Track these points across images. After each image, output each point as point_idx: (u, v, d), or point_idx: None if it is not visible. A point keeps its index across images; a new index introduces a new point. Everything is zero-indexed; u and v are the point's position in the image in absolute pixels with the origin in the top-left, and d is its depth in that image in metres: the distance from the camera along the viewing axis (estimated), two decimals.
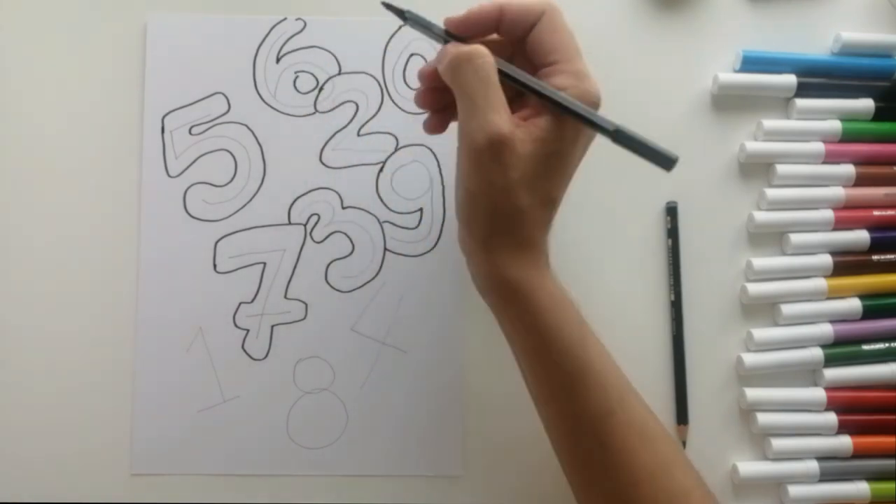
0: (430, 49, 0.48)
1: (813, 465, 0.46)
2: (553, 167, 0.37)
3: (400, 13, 0.39)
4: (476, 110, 0.36)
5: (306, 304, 0.47)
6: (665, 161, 0.34)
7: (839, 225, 0.47)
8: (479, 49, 0.36)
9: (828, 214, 0.47)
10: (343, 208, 0.47)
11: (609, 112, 0.47)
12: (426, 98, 0.40)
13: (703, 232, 0.47)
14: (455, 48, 0.37)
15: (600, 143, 0.48)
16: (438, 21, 0.38)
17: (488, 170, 0.36)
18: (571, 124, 0.36)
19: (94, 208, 0.47)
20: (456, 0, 0.39)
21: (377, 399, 0.46)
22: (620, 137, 0.35)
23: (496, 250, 0.37)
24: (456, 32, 0.38)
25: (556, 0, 0.38)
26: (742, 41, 0.48)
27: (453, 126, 0.47)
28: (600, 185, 0.47)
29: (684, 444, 0.46)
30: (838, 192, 0.47)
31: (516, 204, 0.36)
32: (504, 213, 0.36)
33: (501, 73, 0.36)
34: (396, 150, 0.47)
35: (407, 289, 0.47)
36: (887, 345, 0.47)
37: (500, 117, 0.35)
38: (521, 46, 0.38)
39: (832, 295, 0.47)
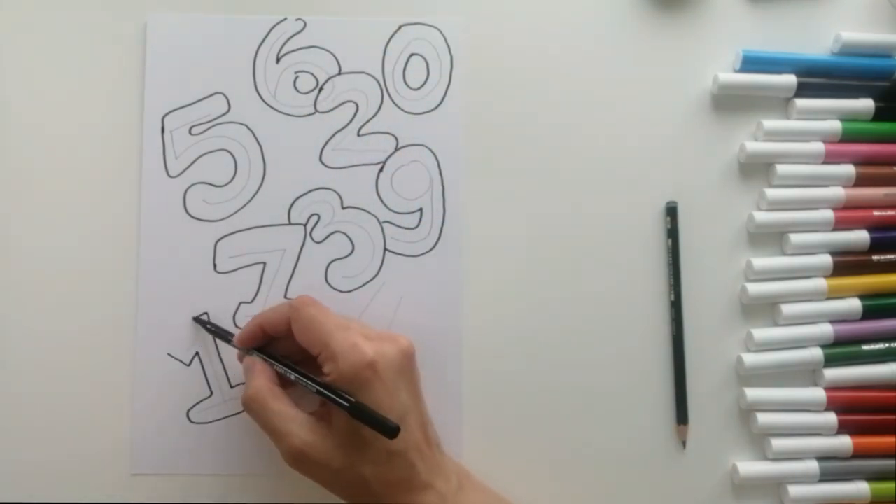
0: (430, 49, 0.48)
1: (813, 465, 0.46)
2: (369, 434, 0.39)
3: (203, 323, 0.46)
4: (273, 439, 0.41)
5: None
6: (388, 430, 0.38)
7: (839, 225, 0.47)
8: (251, 392, 0.41)
9: (828, 214, 0.47)
10: (343, 208, 0.47)
11: (608, 112, 0.48)
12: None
13: (703, 232, 0.47)
14: (243, 394, 0.42)
15: (600, 143, 0.48)
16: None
17: (314, 473, 0.41)
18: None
19: (94, 208, 0.47)
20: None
21: None
22: (354, 411, 0.39)
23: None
24: (243, 347, 0.44)
25: (300, 301, 0.42)
26: (742, 41, 0.48)
27: (452, 125, 0.47)
28: (600, 185, 0.48)
29: (684, 444, 0.46)
30: (838, 192, 0.47)
31: (363, 477, 0.40)
32: (360, 488, 0.40)
33: (276, 362, 0.43)
34: (396, 150, 0.47)
35: (407, 289, 0.47)
36: (887, 345, 0.47)
37: (290, 436, 0.40)
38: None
39: (832, 295, 0.47)
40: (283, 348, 0.44)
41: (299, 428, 0.40)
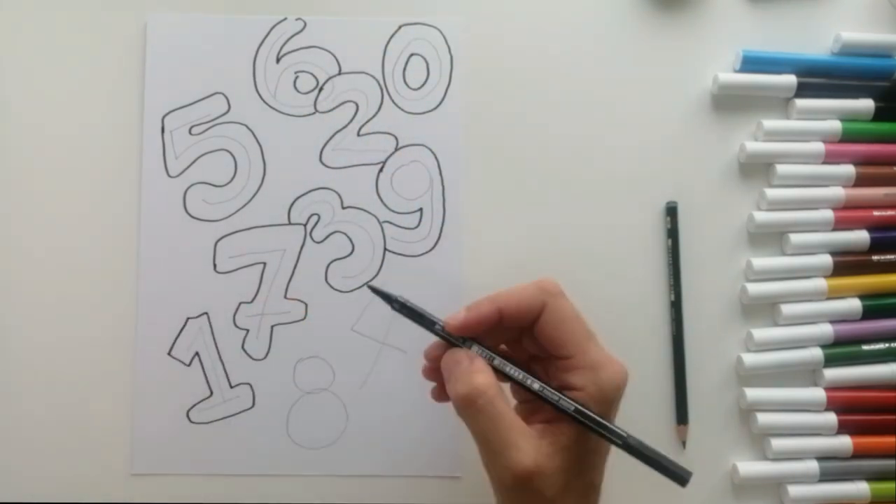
0: (430, 49, 0.48)
1: (813, 465, 0.46)
2: (587, 462, 0.35)
3: (388, 299, 0.39)
4: (494, 454, 0.34)
5: (306, 304, 0.47)
6: (677, 477, 0.34)
7: (839, 225, 0.47)
8: (480, 386, 0.35)
9: (828, 214, 0.47)
10: (343, 208, 0.47)
11: (609, 112, 0.48)
12: (432, 374, 0.39)
13: (703, 232, 0.47)
14: (459, 387, 0.35)
15: (600, 143, 0.48)
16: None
17: (526, 499, 0.34)
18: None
19: (94, 208, 0.47)
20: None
21: (377, 399, 0.46)
22: (629, 448, 0.34)
23: None
24: (457, 335, 0.37)
25: (555, 287, 0.37)
26: (742, 41, 0.48)
27: (452, 125, 0.47)
28: (600, 184, 0.48)
29: (684, 444, 0.46)
30: (838, 192, 0.47)
31: None
32: None
33: (516, 368, 0.36)
34: (396, 150, 0.47)
35: (407, 289, 0.47)
36: (887, 345, 0.47)
37: (520, 452, 0.34)
38: (529, 331, 0.37)
39: (832, 295, 0.47)
40: (488, 340, 0.37)
41: (530, 444, 0.34)
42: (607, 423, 0.34)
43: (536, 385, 0.36)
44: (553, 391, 0.35)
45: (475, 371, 0.35)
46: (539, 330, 0.36)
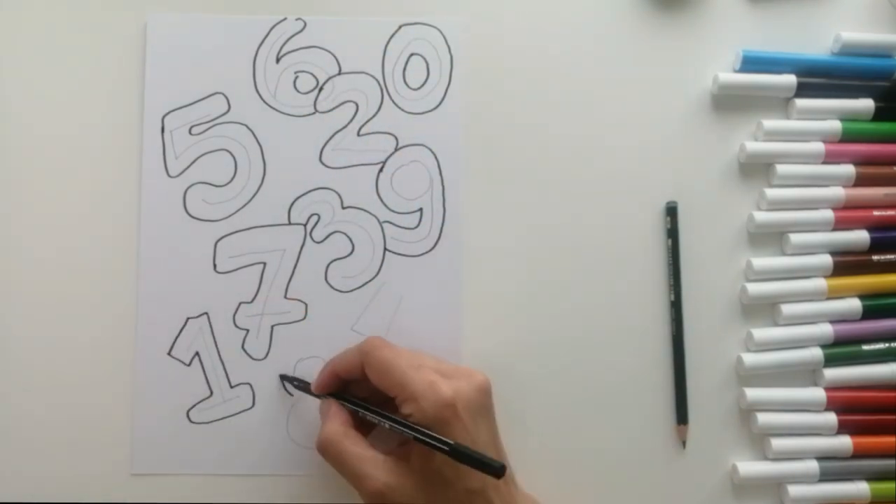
0: (430, 49, 0.48)
1: (813, 465, 0.46)
2: (447, 474, 0.39)
3: (288, 380, 0.46)
4: (351, 482, 0.41)
5: (306, 304, 0.47)
6: (493, 470, 0.37)
7: (839, 225, 0.47)
8: (326, 436, 0.41)
9: (828, 214, 0.47)
10: (343, 208, 0.47)
11: (609, 112, 0.48)
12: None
13: (703, 232, 0.47)
14: (316, 441, 0.42)
15: (600, 143, 0.48)
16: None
17: None
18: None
19: (93, 208, 0.47)
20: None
21: None
22: (455, 454, 0.38)
23: None
24: (320, 394, 0.44)
25: (369, 345, 0.42)
26: (742, 41, 0.48)
27: (452, 125, 0.47)
28: (600, 184, 0.48)
29: (684, 444, 0.46)
30: (838, 192, 0.47)
31: None
32: None
33: (364, 409, 0.42)
34: (396, 150, 0.47)
35: (407, 289, 0.47)
36: (887, 345, 0.47)
37: (370, 479, 0.40)
38: None
39: (832, 295, 0.47)
40: (360, 390, 0.44)
41: (377, 470, 0.40)
42: (433, 435, 0.39)
43: (376, 419, 0.41)
44: (398, 422, 0.40)
45: (326, 422, 0.42)
46: (372, 382, 0.42)
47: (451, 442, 0.38)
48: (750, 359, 0.46)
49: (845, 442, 0.46)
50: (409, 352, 0.43)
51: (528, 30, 0.48)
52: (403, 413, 0.40)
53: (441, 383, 0.40)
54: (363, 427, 0.43)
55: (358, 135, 0.48)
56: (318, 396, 0.44)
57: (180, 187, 0.47)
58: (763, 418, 0.46)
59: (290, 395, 0.46)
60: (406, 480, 0.40)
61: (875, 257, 0.47)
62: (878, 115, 0.48)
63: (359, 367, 0.42)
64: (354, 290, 0.47)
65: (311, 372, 0.46)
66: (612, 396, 0.46)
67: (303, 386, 0.45)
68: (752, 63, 0.48)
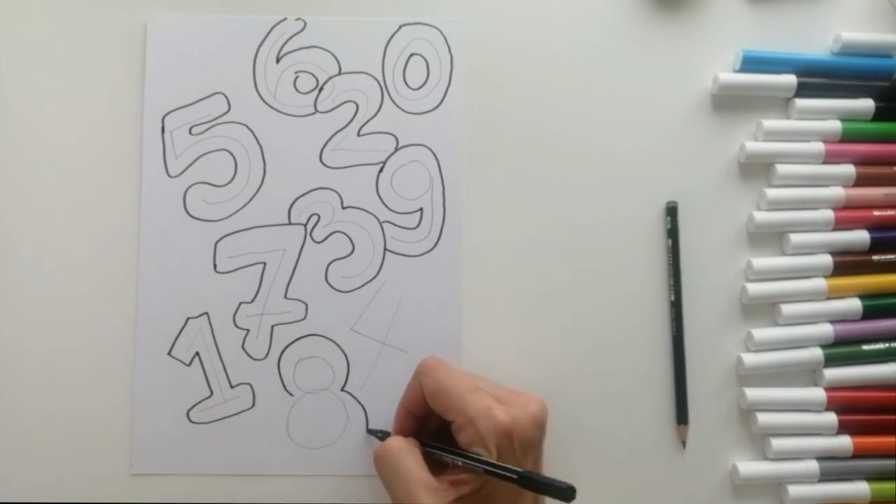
0: (430, 49, 0.48)
1: (813, 465, 0.46)
2: (494, 501, 0.39)
3: (376, 434, 0.45)
4: (396, 498, 0.40)
5: (306, 304, 0.47)
6: (563, 494, 0.37)
7: (839, 225, 0.47)
8: (387, 446, 0.41)
9: (828, 214, 0.47)
10: (343, 208, 0.47)
11: (609, 112, 0.48)
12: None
13: (703, 232, 0.47)
14: (376, 449, 0.42)
15: (600, 143, 0.48)
16: None
17: None
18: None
19: (94, 208, 0.47)
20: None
21: (377, 399, 0.46)
22: (526, 482, 0.38)
23: None
24: (402, 436, 0.43)
25: (425, 367, 0.42)
26: (742, 41, 0.48)
27: (452, 125, 0.47)
28: (600, 185, 0.48)
29: (684, 444, 0.46)
30: (838, 192, 0.47)
31: None
32: None
33: (428, 447, 0.42)
34: (396, 150, 0.47)
35: (407, 289, 0.47)
36: (887, 345, 0.47)
37: (415, 497, 0.39)
38: None
39: (832, 295, 0.47)
40: (435, 423, 0.43)
41: (430, 497, 0.39)
42: (502, 465, 0.39)
43: (459, 461, 0.40)
44: (466, 456, 0.40)
45: (391, 438, 0.42)
46: (431, 407, 0.42)
47: (520, 470, 0.38)
48: (750, 359, 0.46)
49: (845, 442, 0.46)
50: (466, 374, 0.43)
51: (529, 30, 0.48)
52: (460, 439, 0.40)
53: (498, 409, 0.40)
54: (436, 467, 0.42)
55: (358, 135, 0.48)
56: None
57: (180, 187, 0.47)
58: (763, 418, 0.46)
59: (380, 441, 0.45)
60: None
61: (875, 257, 0.47)
62: (878, 115, 0.48)
63: (420, 396, 0.42)
64: (354, 290, 0.47)
65: (314, 371, 0.46)
66: (613, 396, 0.46)
67: (386, 436, 0.45)
68: (752, 63, 0.48)
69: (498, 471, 0.39)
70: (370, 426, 0.46)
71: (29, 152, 0.47)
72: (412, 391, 0.43)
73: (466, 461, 0.40)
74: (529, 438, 0.40)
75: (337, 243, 0.47)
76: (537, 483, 0.38)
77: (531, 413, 0.41)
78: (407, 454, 0.41)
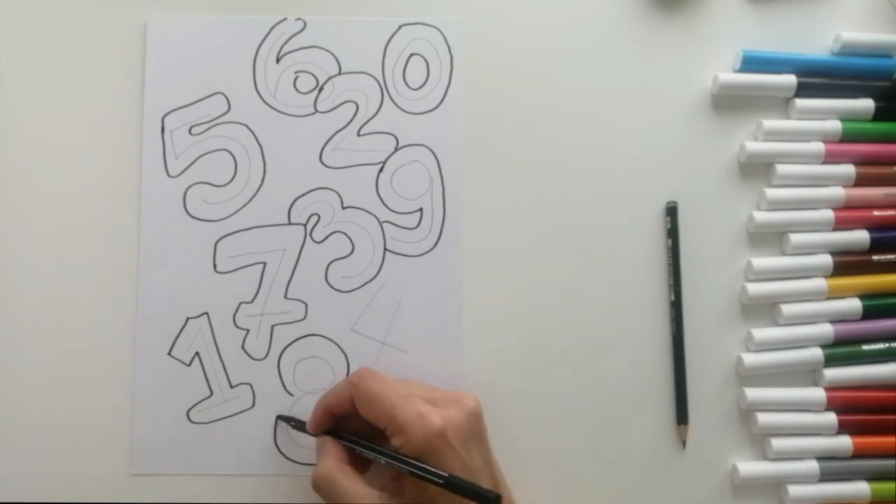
0: (430, 49, 0.48)
1: (813, 465, 0.46)
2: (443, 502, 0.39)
3: (286, 420, 0.46)
4: None
5: (306, 304, 0.47)
6: (487, 500, 0.37)
7: (839, 225, 0.47)
8: (320, 473, 0.41)
9: (828, 214, 0.47)
10: (343, 208, 0.47)
11: (608, 112, 0.48)
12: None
13: (703, 232, 0.47)
14: (312, 478, 0.42)
15: (600, 143, 0.48)
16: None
17: None
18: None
19: (94, 208, 0.47)
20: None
21: None
22: (450, 486, 0.38)
23: None
24: (316, 433, 0.44)
25: (357, 377, 0.42)
26: (742, 41, 0.48)
27: (452, 125, 0.47)
28: (600, 185, 0.48)
29: (684, 444, 0.46)
30: (838, 192, 0.47)
31: None
32: None
33: (361, 447, 0.42)
34: (396, 150, 0.47)
35: (407, 289, 0.47)
36: (887, 345, 0.47)
37: None
38: None
39: (832, 295, 0.47)
40: (354, 425, 0.43)
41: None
42: (427, 468, 0.39)
43: (371, 455, 0.41)
44: (393, 456, 0.40)
45: (320, 459, 0.42)
46: (361, 415, 0.42)
47: (445, 474, 0.38)
48: (750, 359, 0.46)
49: (845, 442, 0.46)
50: (399, 382, 0.43)
51: (528, 30, 0.48)
52: (394, 445, 0.40)
53: (430, 413, 0.40)
54: (359, 463, 0.43)
55: (358, 135, 0.48)
56: (314, 435, 0.44)
57: (180, 187, 0.47)
58: (763, 418, 0.46)
59: (294, 430, 0.45)
60: None
61: (875, 257, 0.47)
62: (878, 115, 0.48)
63: (350, 401, 0.42)
64: (354, 290, 0.47)
65: (314, 371, 0.46)
66: (613, 396, 0.46)
67: (300, 426, 0.45)
68: (752, 63, 0.48)
69: (423, 474, 0.39)
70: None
71: (29, 152, 0.47)
72: (338, 393, 0.43)
73: (392, 462, 0.40)
74: (468, 432, 0.40)
75: (337, 243, 0.47)
76: (462, 488, 0.38)
77: (466, 408, 0.41)
78: (341, 477, 0.41)
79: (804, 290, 0.47)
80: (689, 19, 0.49)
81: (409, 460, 0.39)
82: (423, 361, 0.46)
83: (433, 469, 0.39)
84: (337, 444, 0.43)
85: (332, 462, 0.42)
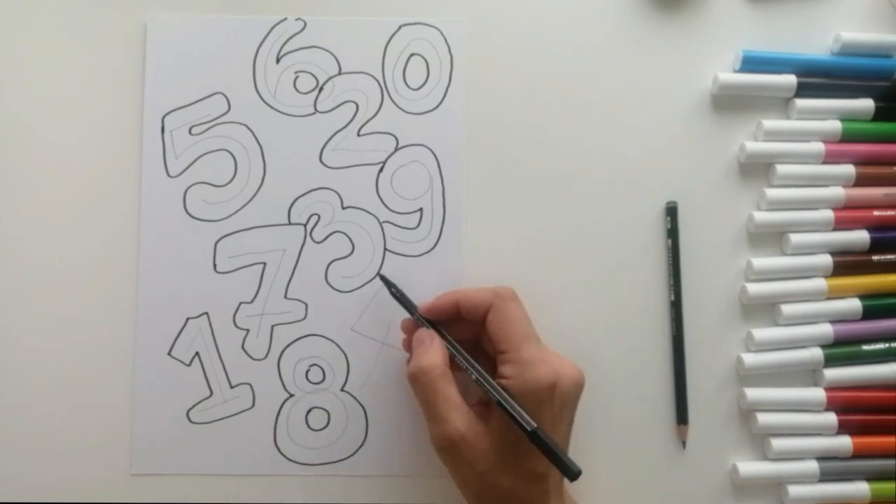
0: (430, 49, 0.48)
1: (813, 465, 0.46)
2: (522, 448, 0.39)
3: (389, 284, 0.45)
4: (429, 420, 0.41)
5: (306, 304, 0.47)
6: (569, 472, 0.37)
7: (839, 225, 0.47)
8: (426, 366, 0.41)
9: (828, 214, 0.47)
10: (343, 208, 0.47)
11: (609, 112, 0.48)
12: (407, 346, 0.45)
13: (703, 232, 0.47)
14: (411, 364, 0.42)
15: (600, 143, 0.48)
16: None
17: (456, 466, 0.40)
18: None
19: (94, 208, 0.47)
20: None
21: (377, 399, 0.46)
22: (535, 438, 0.38)
23: None
24: (427, 317, 0.43)
25: (506, 292, 0.42)
26: (742, 41, 0.48)
27: (452, 125, 0.47)
28: (600, 185, 0.48)
29: (684, 444, 0.46)
30: (838, 192, 0.47)
31: (499, 487, 0.39)
32: (492, 496, 0.40)
33: (466, 363, 0.41)
34: (396, 150, 0.47)
35: (407, 289, 0.47)
36: (887, 345, 0.47)
37: (449, 424, 0.39)
38: (483, 328, 0.42)
39: (832, 295, 0.47)
40: (453, 333, 0.43)
41: (460, 418, 0.40)
42: (519, 411, 0.38)
43: (473, 374, 0.41)
44: (489, 382, 0.40)
45: (426, 352, 0.41)
46: (486, 326, 0.42)
47: (535, 425, 0.38)
48: (750, 359, 0.46)
49: (845, 442, 0.46)
50: (530, 322, 0.42)
51: (528, 30, 0.48)
52: (502, 373, 0.40)
53: (551, 364, 0.40)
54: (454, 370, 0.42)
55: (358, 135, 0.48)
56: (417, 319, 0.43)
57: (180, 187, 0.47)
58: (763, 418, 0.46)
59: (392, 295, 0.45)
60: (481, 440, 0.39)
61: (875, 257, 0.47)
62: (878, 115, 0.48)
63: (484, 308, 0.42)
64: (354, 290, 0.47)
65: (314, 371, 0.46)
66: (613, 396, 0.46)
67: (403, 299, 0.44)
68: (752, 63, 0.48)
69: (515, 415, 0.38)
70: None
71: (29, 152, 0.47)
72: (476, 298, 0.42)
73: (486, 386, 0.39)
74: (569, 397, 0.40)
75: (337, 243, 0.47)
76: (546, 446, 0.37)
77: (575, 375, 0.41)
78: (444, 378, 0.40)
79: (804, 290, 0.47)
80: (689, 19, 0.49)
81: (506, 396, 0.39)
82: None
83: (525, 415, 0.38)
84: (443, 345, 0.42)
85: (440, 359, 0.41)
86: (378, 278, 0.46)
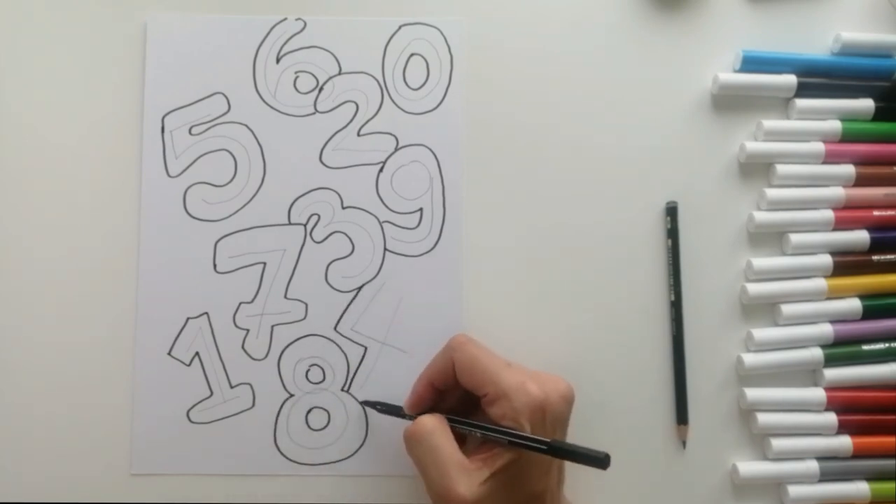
0: (430, 49, 0.48)
1: (813, 465, 0.46)
2: (525, 476, 0.39)
3: (373, 405, 0.45)
4: (430, 480, 0.40)
5: (306, 304, 0.47)
6: (598, 462, 0.37)
7: (839, 225, 0.47)
8: (420, 426, 0.41)
9: (828, 214, 0.47)
10: (343, 208, 0.47)
11: (609, 112, 0.48)
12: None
13: (703, 232, 0.47)
14: (408, 428, 0.42)
15: (600, 143, 0.48)
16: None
17: None
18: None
19: (93, 208, 0.47)
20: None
21: (377, 399, 0.46)
22: (555, 450, 0.38)
23: None
24: (414, 414, 0.43)
25: (456, 342, 0.42)
26: (742, 41, 0.48)
27: (452, 125, 0.47)
28: (600, 185, 0.48)
29: (684, 444, 0.46)
30: (838, 192, 0.47)
31: None
32: None
33: (456, 423, 0.42)
34: (396, 150, 0.47)
35: (407, 289, 0.47)
36: (887, 345, 0.47)
37: (451, 479, 0.39)
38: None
39: (832, 295, 0.47)
40: (447, 403, 0.44)
41: (466, 476, 0.39)
42: (529, 436, 0.39)
43: (478, 432, 0.40)
44: (490, 428, 0.40)
45: (424, 417, 0.42)
46: (459, 381, 0.42)
47: (549, 440, 0.38)
48: (750, 359, 0.46)
49: (845, 442, 0.46)
50: (494, 352, 0.43)
51: (528, 30, 0.48)
52: (493, 413, 0.40)
53: (533, 384, 0.40)
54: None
55: (358, 135, 0.48)
56: (409, 418, 0.43)
57: (180, 187, 0.47)
58: (763, 418, 0.46)
59: (381, 414, 0.45)
60: (489, 485, 0.39)
61: (875, 257, 0.47)
62: (878, 115, 0.48)
63: (451, 371, 0.42)
64: (354, 290, 0.47)
65: (314, 371, 0.46)
66: (613, 396, 0.46)
67: (389, 409, 0.45)
68: (752, 63, 0.48)
69: (528, 442, 0.38)
70: (371, 412, 0.46)
71: (29, 152, 0.47)
72: (439, 364, 0.43)
73: (489, 434, 0.40)
74: (560, 413, 0.40)
75: (337, 243, 0.47)
76: (569, 451, 0.38)
77: (561, 390, 0.41)
78: (440, 434, 0.40)
79: (804, 290, 0.47)
80: (689, 19, 0.49)
81: (509, 430, 0.39)
82: (423, 361, 0.45)
83: (535, 436, 0.38)
84: (445, 420, 0.42)
85: (435, 419, 0.41)
86: (374, 278, 0.46)
